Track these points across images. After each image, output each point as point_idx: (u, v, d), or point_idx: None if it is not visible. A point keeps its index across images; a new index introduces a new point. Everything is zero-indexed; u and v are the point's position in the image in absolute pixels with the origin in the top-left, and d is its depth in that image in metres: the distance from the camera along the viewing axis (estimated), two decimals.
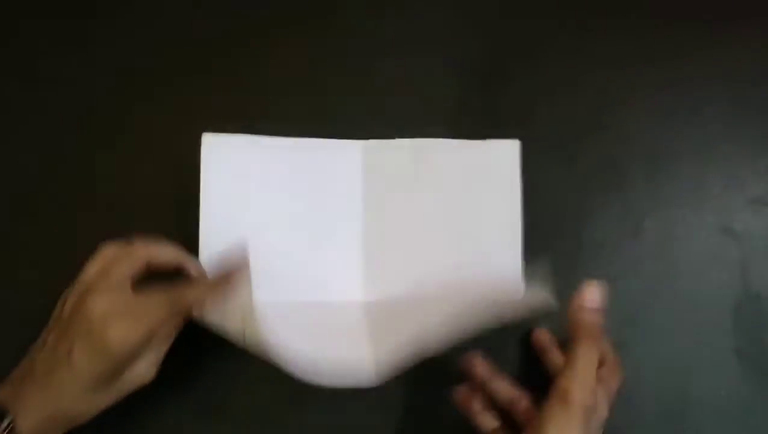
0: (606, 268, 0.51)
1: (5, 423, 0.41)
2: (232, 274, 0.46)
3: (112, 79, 0.55)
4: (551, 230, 0.52)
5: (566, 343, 0.45)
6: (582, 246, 0.52)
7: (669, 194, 0.52)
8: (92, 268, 0.46)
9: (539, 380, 0.47)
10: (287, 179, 0.51)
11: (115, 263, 0.46)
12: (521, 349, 0.51)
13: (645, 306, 0.51)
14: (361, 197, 0.51)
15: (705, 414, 0.49)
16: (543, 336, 0.49)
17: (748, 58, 0.54)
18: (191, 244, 0.49)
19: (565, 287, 0.51)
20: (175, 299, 0.45)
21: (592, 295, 0.45)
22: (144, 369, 0.45)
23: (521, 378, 0.49)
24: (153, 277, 0.47)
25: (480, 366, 0.48)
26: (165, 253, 0.48)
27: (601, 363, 0.43)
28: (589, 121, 0.54)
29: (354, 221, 0.51)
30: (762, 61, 0.54)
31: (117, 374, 0.44)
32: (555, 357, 0.48)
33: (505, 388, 0.47)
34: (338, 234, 0.51)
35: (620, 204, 0.52)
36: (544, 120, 0.54)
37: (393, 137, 0.52)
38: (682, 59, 0.54)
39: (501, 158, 0.51)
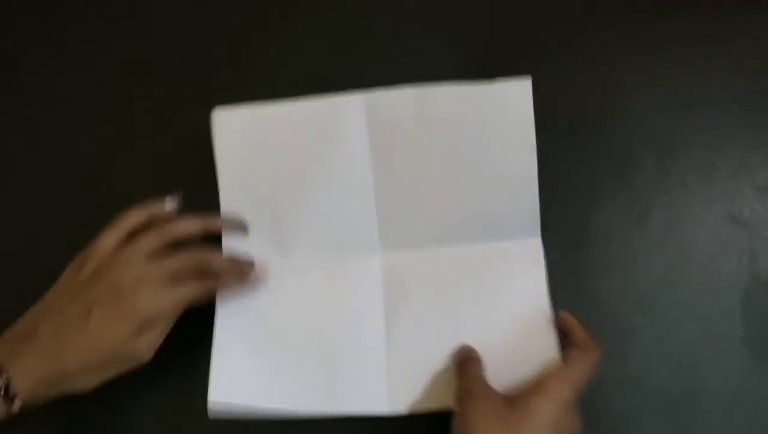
0: (615, 256, 0.51)
1: (2, 379, 0.40)
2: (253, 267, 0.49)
3: (112, 60, 0.57)
4: (560, 219, 0.52)
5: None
6: (591, 235, 0.52)
7: (678, 182, 0.52)
8: (112, 236, 0.47)
9: None
10: (297, 141, 0.51)
11: (141, 238, 0.46)
12: None
13: (653, 294, 0.50)
14: (369, 151, 0.51)
15: (714, 402, 0.49)
16: (566, 318, 0.48)
17: (757, 47, 0.54)
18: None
19: (575, 275, 0.51)
20: (204, 282, 0.47)
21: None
22: (145, 347, 0.45)
23: None
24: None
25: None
26: (188, 226, 0.48)
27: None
28: (598, 109, 0.53)
29: (365, 175, 0.51)
30: None
31: (127, 344, 0.44)
32: (579, 336, 0.47)
33: None
34: (351, 190, 0.51)
35: (629, 192, 0.52)
36: (551, 108, 0.53)
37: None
38: (692, 48, 0.54)
39: (513, 99, 0.49)
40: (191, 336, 0.49)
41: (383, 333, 0.49)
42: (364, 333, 0.49)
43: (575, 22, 0.55)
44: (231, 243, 0.51)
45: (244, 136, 0.51)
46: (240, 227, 0.51)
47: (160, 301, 0.44)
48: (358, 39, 0.57)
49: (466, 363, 0.46)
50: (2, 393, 0.41)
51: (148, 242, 0.46)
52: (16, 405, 0.41)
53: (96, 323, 0.43)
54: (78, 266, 0.46)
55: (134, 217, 0.48)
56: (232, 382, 0.48)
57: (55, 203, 0.56)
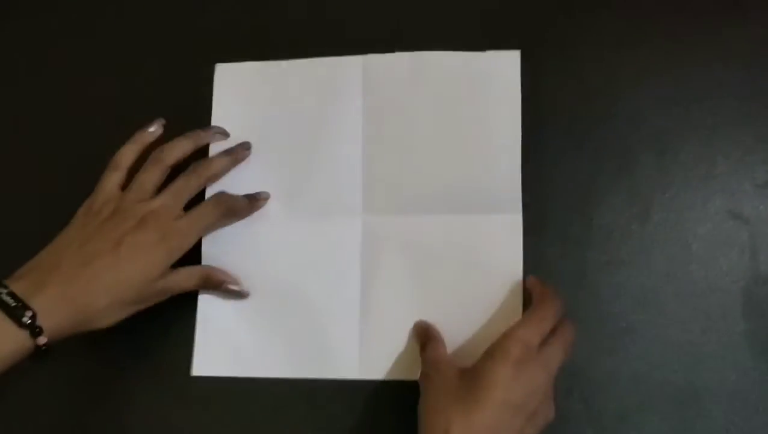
0: (615, 252, 0.51)
1: (27, 315, 0.40)
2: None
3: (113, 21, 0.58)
4: (561, 215, 0.52)
5: None
6: (591, 231, 0.51)
7: (678, 178, 0.52)
8: (115, 176, 0.48)
9: None
10: (292, 98, 0.54)
11: (145, 173, 0.48)
12: None
13: (654, 290, 0.50)
14: (362, 112, 0.52)
15: (714, 399, 0.49)
16: (531, 282, 0.49)
17: (758, 42, 0.54)
18: None
19: (576, 270, 0.51)
20: (223, 202, 0.49)
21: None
22: (166, 285, 0.47)
23: None
24: None
25: None
26: (182, 148, 0.50)
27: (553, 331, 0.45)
28: (598, 105, 0.53)
29: (355, 136, 0.52)
30: None
31: (162, 276, 0.46)
32: (536, 292, 0.48)
33: None
34: (339, 150, 0.52)
35: (629, 189, 0.52)
36: (551, 105, 0.53)
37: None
38: (691, 43, 0.54)
39: (501, 69, 0.52)
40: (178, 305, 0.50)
41: (358, 296, 0.50)
42: (340, 297, 0.51)
43: (575, 18, 0.55)
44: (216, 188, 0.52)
45: (242, 90, 0.54)
46: (225, 133, 0.53)
47: (187, 229, 0.47)
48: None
49: (425, 345, 0.47)
50: (28, 327, 0.40)
51: (154, 174, 0.48)
52: (42, 340, 0.40)
53: (127, 257, 0.44)
54: (90, 208, 0.47)
55: (130, 153, 0.50)
56: (214, 354, 0.51)
57: (56, 155, 0.57)
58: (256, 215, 0.52)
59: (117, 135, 0.51)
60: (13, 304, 0.40)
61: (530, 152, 0.52)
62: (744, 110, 0.53)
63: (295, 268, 0.51)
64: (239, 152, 0.52)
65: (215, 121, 0.54)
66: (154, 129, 0.51)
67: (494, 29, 0.55)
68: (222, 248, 0.51)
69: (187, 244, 0.47)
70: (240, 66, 0.54)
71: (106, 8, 0.59)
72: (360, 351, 0.50)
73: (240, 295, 0.51)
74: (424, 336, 0.48)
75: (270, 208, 0.52)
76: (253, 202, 0.51)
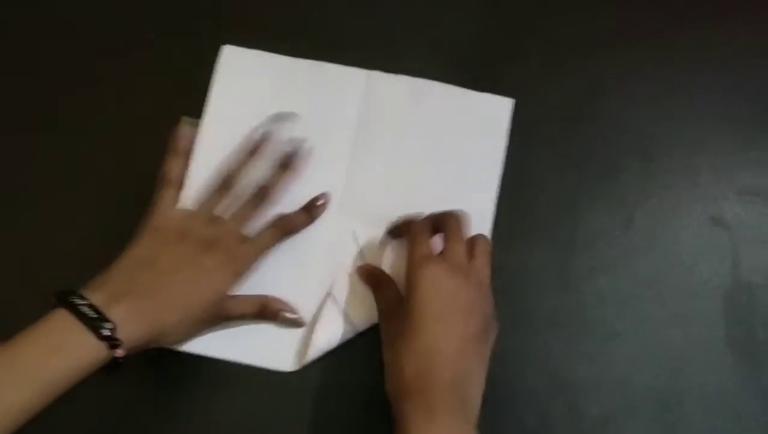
0: (599, 258, 0.52)
1: (107, 327, 0.40)
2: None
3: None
4: (546, 222, 0.52)
5: None
6: (577, 237, 0.52)
7: (661, 185, 0.53)
8: (171, 194, 0.50)
9: None
10: (292, 94, 0.54)
11: (208, 201, 0.50)
12: None
13: (637, 296, 0.51)
14: (355, 123, 0.54)
15: (697, 403, 0.49)
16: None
17: (739, 49, 0.55)
18: None
19: (561, 277, 0.52)
20: (281, 225, 0.50)
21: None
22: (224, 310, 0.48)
23: None
24: None
25: None
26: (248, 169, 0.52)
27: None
28: (582, 111, 0.54)
29: (343, 144, 0.53)
30: (753, 52, 0.55)
31: (222, 295, 0.47)
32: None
33: None
34: (326, 155, 0.53)
35: (614, 196, 0.53)
36: (537, 113, 0.54)
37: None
38: (676, 49, 0.55)
39: (493, 113, 0.54)
40: None
41: (324, 291, 0.51)
42: (305, 295, 0.51)
43: (559, 24, 0.55)
44: (198, 170, 0.52)
45: (244, 76, 0.54)
46: (277, 119, 0.53)
47: (251, 252, 0.48)
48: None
49: (377, 287, 0.49)
50: (107, 339, 0.40)
51: (216, 199, 0.50)
52: (119, 352, 0.41)
53: (195, 277, 0.45)
54: (155, 228, 0.48)
55: (177, 166, 0.51)
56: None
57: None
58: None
59: (123, 112, 0.53)
60: (93, 316, 0.40)
61: (514, 158, 0.53)
62: (728, 117, 0.54)
63: (267, 267, 0.51)
64: (292, 165, 0.52)
65: (212, 101, 0.53)
66: (186, 132, 0.52)
67: (478, 33, 0.55)
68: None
69: (250, 266, 0.49)
70: (247, 52, 0.54)
71: None
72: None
73: (296, 323, 0.51)
74: (375, 279, 0.50)
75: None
76: (311, 212, 0.52)
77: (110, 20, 0.57)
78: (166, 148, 0.51)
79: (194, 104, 0.53)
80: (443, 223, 0.48)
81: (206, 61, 0.54)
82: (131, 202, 0.50)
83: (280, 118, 0.53)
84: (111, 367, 0.41)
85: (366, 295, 0.50)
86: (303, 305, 0.51)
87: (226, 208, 0.50)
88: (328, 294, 0.50)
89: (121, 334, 0.40)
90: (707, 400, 0.49)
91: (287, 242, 0.52)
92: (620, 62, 0.55)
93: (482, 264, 0.47)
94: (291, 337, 0.50)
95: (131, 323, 0.41)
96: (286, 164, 0.52)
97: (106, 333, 0.40)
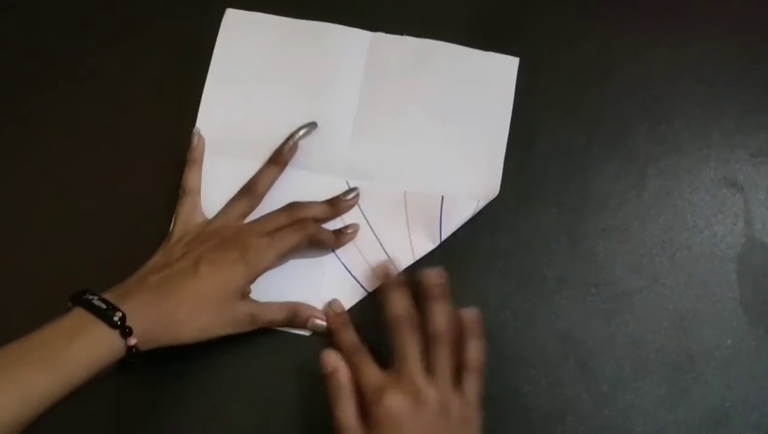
0: (611, 220, 0.51)
1: (117, 316, 0.41)
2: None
3: None
4: (558, 184, 0.52)
5: None
6: (587, 199, 0.52)
7: (673, 146, 0.52)
8: (189, 201, 0.51)
9: None
10: (296, 58, 0.54)
11: (233, 204, 0.50)
12: None
13: (650, 257, 0.51)
14: (360, 83, 0.53)
15: (709, 364, 0.49)
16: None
17: (751, 12, 0.54)
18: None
19: (573, 238, 0.51)
20: (306, 229, 0.49)
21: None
22: (246, 311, 0.47)
23: None
24: None
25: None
26: (270, 176, 0.51)
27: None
28: (593, 74, 0.54)
29: (350, 104, 0.53)
30: (764, 16, 0.54)
31: (233, 292, 0.46)
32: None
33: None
34: (333, 114, 0.53)
35: (625, 157, 0.52)
36: (547, 73, 0.54)
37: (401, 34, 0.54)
38: (686, 13, 0.54)
39: (499, 72, 0.53)
40: None
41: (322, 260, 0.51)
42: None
43: None
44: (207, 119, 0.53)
45: (247, 39, 0.54)
46: (308, 129, 0.53)
47: (265, 246, 0.47)
48: None
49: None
50: (119, 327, 0.41)
51: (244, 205, 0.50)
52: (132, 341, 0.41)
53: (205, 271, 0.45)
54: (173, 237, 0.49)
55: (194, 176, 0.51)
56: None
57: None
58: (247, 166, 0.52)
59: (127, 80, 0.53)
60: (104, 307, 0.41)
61: (526, 121, 0.53)
62: (738, 79, 0.53)
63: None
64: (341, 205, 0.51)
65: (215, 61, 0.54)
66: (198, 143, 0.52)
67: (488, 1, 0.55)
68: (213, 192, 0.51)
69: (266, 262, 0.47)
70: (250, 15, 0.55)
71: None
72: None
73: (322, 329, 0.50)
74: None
75: (257, 160, 0.52)
76: (340, 237, 0.51)
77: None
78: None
79: (196, 69, 0.54)
80: (426, 317, 0.46)
81: (213, 30, 0.54)
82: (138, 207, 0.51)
83: (307, 128, 0.52)
84: (126, 362, 0.42)
85: (370, 255, 0.50)
86: (312, 270, 0.51)
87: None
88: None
89: (132, 323, 0.41)
90: (720, 361, 0.49)
91: (289, 197, 0.51)
92: (631, 24, 0.54)
93: (472, 393, 0.44)
94: (303, 300, 0.50)
95: (142, 314, 0.42)
96: (332, 201, 0.51)
97: (117, 321, 0.41)
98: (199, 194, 0.51)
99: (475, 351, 0.45)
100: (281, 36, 0.54)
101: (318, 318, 0.50)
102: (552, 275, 0.50)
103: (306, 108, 0.53)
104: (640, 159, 0.52)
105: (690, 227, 0.51)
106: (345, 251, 0.51)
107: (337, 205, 0.51)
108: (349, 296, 0.50)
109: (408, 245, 0.51)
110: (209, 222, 0.49)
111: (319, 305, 0.50)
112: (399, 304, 0.46)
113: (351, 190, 0.52)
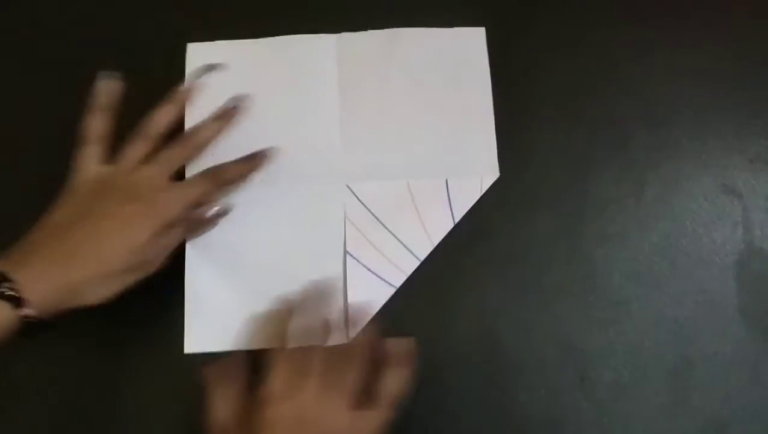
0: (609, 227, 0.51)
1: (5, 286, 0.39)
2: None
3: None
4: (556, 190, 0.52)
5: None
6: (586, 206, 0.51)
7: (671, 152, 0.52)
8: (92, 150, 0.47)
9: None
10: (267, 75, 0.54)
11: (129, 146, 0.47)
12: None
13: (648, 264, 0.50)
14: (337, 86, 0.53)
15: (709, 371, 0.49)
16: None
17: (749, 18, 0.54)
18: None
19: (571, 245, 0.51)
20: (212, 172, 0.48)
21: None
22: (162, 251, 0.46)
23: None
24: None
25: None
26: (166, 115, 0.49)
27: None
28: (591, 80, 0.53)
29: (332, 108, 0.53)
30: (763, 21, 0.54)
31: (144, 248, 0.44)
32: None
33: None
34: (318, 122, 0.53)
35: (623, 163, 0.52)
36: (546, 79, 0.53)
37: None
38: (685, 18, 0.54)
39: (468, 44, 0.54)
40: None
41: (342, 268, 0.51)
42: (325, 266, 0.51)
43: None
44: (192, 171, 0.51)
45: (216, 68, 0.53)
46: (208, 69, 0.53)
47: (174, 199, 0.46)
48: None
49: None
50: (9, 299, 0.39)
51: (140, 148, 0.47)
52: (25, 311, 0.40)
53: (109, 230, 0.43)
54: (73, 188, 0.46)
55: (96, 123, 0.48)
56: (205, 331, 0.50)
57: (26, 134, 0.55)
58: (240, 192, 0.51)
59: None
60: None
61: (524, 126, 0.53)
62: (736, 86, 0.53)
63: (281, 241, 0.51)
64: (227, 115, 0.51)
65: (190, 101, 0.53)
66: (104, 87, 0.49)
67: (487, 6, 0.55)
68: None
69: (174, 214, 0.45)
70: (212, 45, 0.54)
71: None
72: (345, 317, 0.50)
73: (224, 213, 0.50)
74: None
75: (252, 183, 0.52)
76: (249, 163, 0.50)
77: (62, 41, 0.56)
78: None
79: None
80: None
81: (175, 63, 0.54)
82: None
83: (210, 68, 0.53)
84: (29, 330, 0.41)
85: (389, 251, 0.50)
86: (325, 269, 0.50)
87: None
88: (346, 253, 0.50)
89: (28, 295, 0.40)
90: (719, 368, 0.49)
91: (293, 213, 0.51)
92: (630, 30, 0.54)
93: (370, 422, 0.41)
94: (335, 311, 0.50)
95: (39, 283, 0.41)
96: (221, 115, 0.50)
97: (6, 292, 0.39)
98: (101, 142, 0.48)
99: (391, 380, 0.43)
100: (248, 58, 0.54)
101: (214, 209, 0.49)
102: (550, 282, 0.50)
103: (288, 123, 0.53)
104: (639, 166, 0.52)
105: (689, 234, 0.51)
106: (364, 253, 0.50)
107: (251, 161, 0.50)
108: (377, 296, 0.50)
109: (423, 233, 0.51)
110: (108, 171, 0.47)
111: (347, 309, 0.50)
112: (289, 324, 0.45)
113: (267, 149, 0.51)
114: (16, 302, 0.40)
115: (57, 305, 0.42)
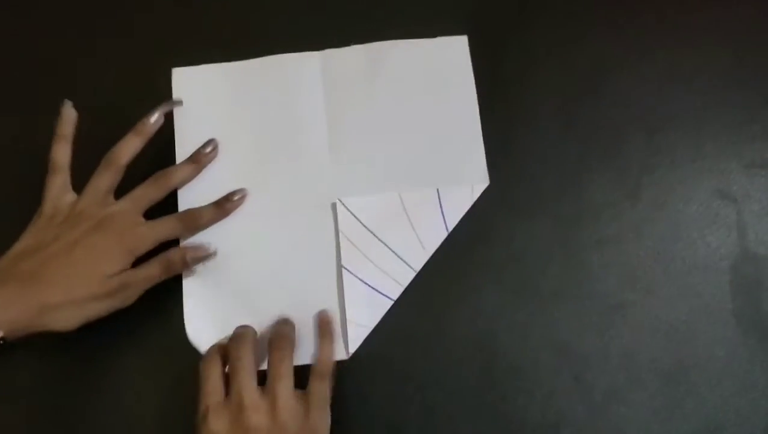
0: (605, 231, 0.51)
1: None
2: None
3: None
4: (550, 194, 0.52)
5: None
6: (581, 210, 0.52)
7: (665, 157, 0.52)
8: (57, 180, 0.48)
9: None
10: (253, 96, 0.54)
11: (97, 176, 0.48)
12: None
13: (643, 269, 0.51)
14: (323, 104, 0.54)
15: (704, 375, 0.49)
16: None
17: (746, 22, 0.54)
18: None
19: (567, 250, 0.51)
20: (186, 216, 0.49)
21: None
22: (124, 288, 0.46)
23: None
24: None
25: None
26: (132, 145, 0.49)
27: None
28: (587, 85, 0.54)
29: (319, 127, 0.53)
30: (758, 26, 0.54)
31: (112, 280, 0.45)
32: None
33: None
34: (305, 142, 0.53)
35: (618, 168, 0.52)
36: (541, 84, 0.54)
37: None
38: (680, 23, 0.55)
39: (451, 53, 0.54)
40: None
41: (335, 281, 0.51)
42: (318, 283, 0.51)
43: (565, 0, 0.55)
44: (185, 193, 0.52)
45: (201, 93, 0.54)
46: (173, 104, 0.53)
47: (145, 235, 0.46)
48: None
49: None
50: None
51: (107, 178, 0.48)
52: None
53: (80, 258, 0.44)
54: (43, 214, 0.47)
55: (62, 152, 0.49)
56: (204, 323, 0.50)
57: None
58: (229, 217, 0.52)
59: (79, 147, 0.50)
60: None
61: (519, 132, 0.53)
62: (732, 90, 0.53)
63: (275, 259, 0.51)
64: (202, 158, 0.52)
65: (178, 124, 0.53)
66: (69, 116, 0.50)
67: (480, 6, 0.55)
68: (196, 240, 0.51)
69: (145, 248, 0.47)
70: (197, 69, 0.54)
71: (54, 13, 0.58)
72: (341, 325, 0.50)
73: (208, 256, 0.50)
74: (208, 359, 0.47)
75: (242, 206, 0.52)
76: (222, 207, 0.51)
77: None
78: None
79: (161, 132, 0.52)
80: (270, 343, 0.45)
81: (160, 87, 0.54)
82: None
83: (172, 103, 0.53)
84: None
85: (385, 264, 0.50)
86: (321, 285, 0.51)
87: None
88: (342, 267, 0.50)
89: (0, 316, 0.41)
90: (714, 373, 0.49)
91: (286, 230, 0.51)
92: (625, 35, 0.54)
93: (316, 399, 0.44)
94: (335, 326, 0.50)
95: (9, 306, 0.42)
96: (196, 158, 0.51)
97: None
98: (69, 171, 0.49)
99: (322, 352, 0.46)
100: (233, 81, 0.54)
101: (191, 253, 0.49)
102: (546, 287, 0.50)
103: (277, 143, 0.53)
104: (634, 170, 0.52)
105: (684, 239, 0.51)
106: (359, 267, 0.50)
107: (223, 206, 0.51)
108: (376, 309, 0.50)
109: (418, 243, 0.51)
110: (78, 201, 0.47)
111: (346, 324, 0.50)
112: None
113: (238, 191, 0.51)
114: None
115: (25, 328, 0.43)
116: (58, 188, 0.48)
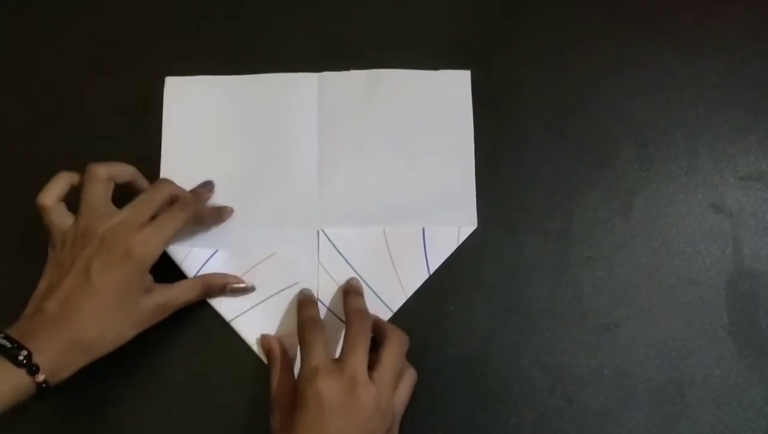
0: (597, 247, 0.50)
1: (23, 354, 0.41)
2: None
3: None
4: (542, 210, 0.51)
5: None
6: (573, 226, 0.51)
7: (660, 171, 0.52)
8: (55, 213, 0.47)
9: None
10: (246, 114, 0.53)
11: (91, 189, 0.47)
12: None
13: (637, 285, 0.50)
14: (317, 127, 0.53)
15: (698, 393, 0.48)
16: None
17: (738, 34, 0.53)
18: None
19: (558, 266, 0.51)
20: (188, 205, 0.48)
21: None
22: (170, 309, 0.47)
23: None
24: None
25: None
26: (123, 171, 0.49)
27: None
28: (578, 97, 0.53)
29: (310, 149, 0.52)
30: (751, 37, 0.53)
31: (134, 291, 0.45)
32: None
33: None
34: (295, 163, 0.52)
35: (610, 183, 0.51)
36: (532, 97, 0.53)
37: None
38: (671, 34, 0.54)
39: (453, 88, 0.53)
40: None
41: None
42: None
43: (554, 9, 0.54)
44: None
45: (193, 104, 0.53)
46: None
47: (150, 237, 0.46)
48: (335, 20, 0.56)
49: (272, 364, 0.48)
50: (25, 366, 0.40)
51: (97, 189, 0.47)
52: (40, 377, 0.41)
53: (98, 281, 0.44)
54: (54, 249, 0.47)
55: (60, 188, 0.47)
56: None
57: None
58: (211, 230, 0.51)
59: (69, 157, 0.50)
60: (9, 346, 0.41)
61: (509, 147, 0.52)
62: (725, 102, 0.52)
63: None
64: (200, 195, 0.51)
65: (166, 134, 0.53)
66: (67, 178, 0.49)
67: (470, 19, 0.55)
68: (179, 255, 0.50)
69: (155, 252, 0.46)
70: (190, 80, 0.54)
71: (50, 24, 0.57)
72: None
73: (246, 291, 0.50)
74: (271, 357, 0.48)
75: (227, 221, 0.52)
76: (219, 213, 0.51)
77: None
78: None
79: (149, 141, 0.52)
80: (383, 338, 0.46)
81: (154, 96, 0.54)
82: None
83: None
84: (42, 394, 0.42)
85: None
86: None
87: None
88: (319, 301, 0.50)
89: (39, 359, 0.41)
90: (709, 390, 0.48)
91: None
92: (615, 48, 0.53)
93: (402, 399, 0.46)
94: None
95: (48, 349, 0.42)
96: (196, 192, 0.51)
97: (23, 359, 0.40)
98: (60, 203, 0.47)
99: (412, 369, 0.47)
100: (227, 94, 0.53)
101: (233, 283, 0.50)
102: (538, 305, 0.50)
103: (265, 163, 0.52)
104: (627, 185, 0.51)
105: (677, 254, 0.50)
106: (336, 303, 0.50)
107: (220, 214, 0.51)
108: None
109: (398, 285, 0.50)
110: (77, 219, 0.46)
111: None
112: (359, 301, 0.48)
113: (207, 183, 0.51)
114: (31, 368, 0.41)
115: (70, 365, 0.43)
116: (57, 217, 0.47)
